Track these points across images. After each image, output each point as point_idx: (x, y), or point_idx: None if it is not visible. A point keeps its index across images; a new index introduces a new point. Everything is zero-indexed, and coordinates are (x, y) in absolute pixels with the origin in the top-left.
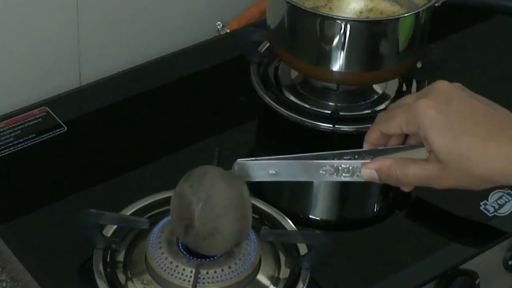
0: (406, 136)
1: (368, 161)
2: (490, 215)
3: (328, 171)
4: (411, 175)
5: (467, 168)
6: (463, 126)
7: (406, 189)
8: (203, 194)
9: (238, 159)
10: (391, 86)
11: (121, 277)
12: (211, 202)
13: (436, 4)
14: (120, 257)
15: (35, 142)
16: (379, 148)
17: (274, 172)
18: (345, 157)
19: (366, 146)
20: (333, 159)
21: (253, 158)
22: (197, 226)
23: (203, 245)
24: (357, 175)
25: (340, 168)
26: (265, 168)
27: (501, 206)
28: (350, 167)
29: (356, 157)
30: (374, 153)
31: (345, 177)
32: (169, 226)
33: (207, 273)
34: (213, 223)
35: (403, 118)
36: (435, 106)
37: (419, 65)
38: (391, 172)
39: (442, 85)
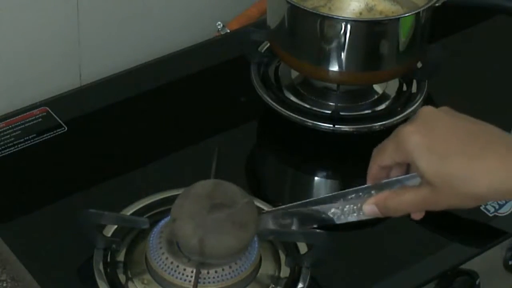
0: (408, 165)
1: (367, 198)
2: (490, 215)
3: (336, 214)
4: (407, 203)
5: (456, 187)
6: (448, 147)
7: (414, 216)
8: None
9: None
10: (391, 86)
11: (122, 277)
12: (213, 243)
13: (436, 4)
14: (120, 257)
15: (35, 142)
16: (382, 181)
17: (287, 222)
18: (349, 196)
19: (369, 182)
20: (339, 200)
21: (266, 211)
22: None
23: (205, 262)
24: (362, 213)
25: (345, 209)
26: (277, 219)
27: (501, 206)
28: (355, 207)
29: (360, 194)
30: (377, 188)
31: (351, 218)
32: (169, 226)
33: (208, 273)
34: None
35: (392, 148)
36: (418, 130)
37: (419, 65)
38: (388, 203)
39: (426, 110)
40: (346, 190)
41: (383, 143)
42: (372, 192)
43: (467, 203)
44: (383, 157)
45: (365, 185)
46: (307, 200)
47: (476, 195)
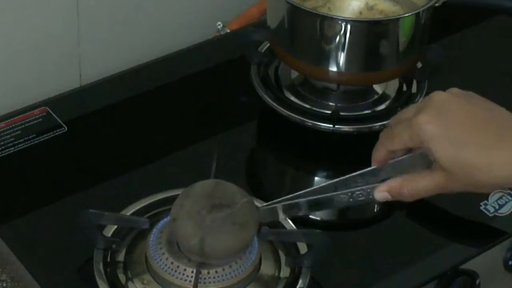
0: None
1: (378, 184)
2: (491, 215)
3: (344, 199)
4: (421, 189)
5: (472, 176)
6: (463, 136)
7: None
8: (205, 237)
9: (261, 207)
10: (391, 86)
11: (122, 277)
12: (214, 243)
13: (436, 4)
14: (120, 257)
15: (35, 142)
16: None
17: (296, 210)
18: (359, 180)
19: (374, 164)
20: (346, 184)
21: (274, 202)
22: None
23: (206, 262)
24: (371, 197)
25: (354, 194)
26: (287, 210)
27: (501, 206)
28: (364, 192)
29: (367, 178)
30: (383, 170)
31: (360, 201)
32: (169, 226)
33: (208, 273)
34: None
35: (406, 135)
36: (433, 120)
37: (419, 65)
38: (403, 191)
39: (438, 97)
40: (351, 175)
41: (393, 128)
42: (379, 175)
43: (482, 190)
44: (394, 142)
45: (370, 168)
46: (313, 188)
47: (492, 184)
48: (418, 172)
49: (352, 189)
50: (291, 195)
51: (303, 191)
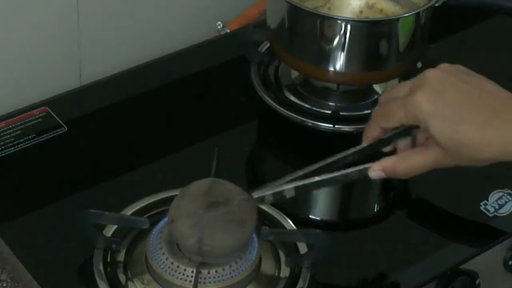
0: None
1: (371, 164)
2: (490, 215)
3: (339, 179)
4: (417, 166)
5: (467, 152)
6: (459, 114)
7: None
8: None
9: (254, 194)
10: (391, 86)
11: (122, 277)
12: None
13: (436, 4)
14: (120, 257)
15: (35, 142)
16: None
17: (291, 195)
18: (350, 158)
19: (366, 142)
20: (340, 164)
21: (269, 187)
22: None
23: (205, 261)
24: (366, 176)
25: (350, 175)
26: (282, 195)
27: (501, 206)
28: (358, 171)
29: (357, 157)
30: (373, 147)
31: (355, 179)
32: (168, 227)
33: (208, 273)
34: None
35: (401, 114)
36: (429, 99)
37: (419, 65)
38: (398, 169)
39: (432, 75)
40: (341, 155)
41: (387, 106)
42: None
43: (476, 164)
44: (389, 120)
45: (361, 146)
46: (304, 171)
47: (487, 159)
48: (412, 149)
49: (346, 171)
50: (281, 181)
51: (294, 175)
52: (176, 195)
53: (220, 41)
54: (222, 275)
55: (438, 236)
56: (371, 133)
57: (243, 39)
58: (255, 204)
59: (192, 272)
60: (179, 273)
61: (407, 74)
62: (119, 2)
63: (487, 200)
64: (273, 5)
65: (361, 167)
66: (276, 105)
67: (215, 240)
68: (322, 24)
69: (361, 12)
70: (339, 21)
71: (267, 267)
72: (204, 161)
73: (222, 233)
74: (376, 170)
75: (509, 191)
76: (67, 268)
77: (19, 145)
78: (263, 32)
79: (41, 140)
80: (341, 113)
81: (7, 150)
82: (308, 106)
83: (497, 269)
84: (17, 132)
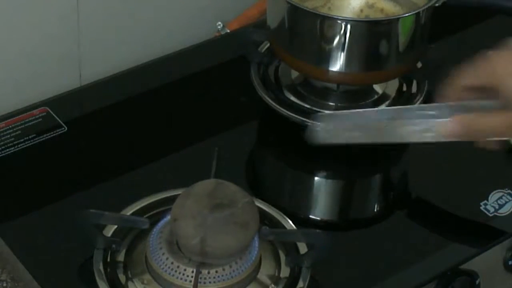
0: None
1: (447, 119)
2: (490, 215)
3: (409, 132)
4: (495, 125)
5: None
6: None
7: (492, 145)
8: (206, 238)
9: (319, 123)
10: (391, 86)
11: (122, 277)
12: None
13: (436, 4)
14: (120, 257)
15: (35, 142)
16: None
17: (357, 134)
18: (429, 112)
19: (441, 100)
20: (411, 114)
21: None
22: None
23: (206, 262)
24: (439, 133)
25: (421, 128)
26: (350, 130)
27: (501, 206)
28: (426, 124)
29: (435, 112)
30: (454, 108)
31: (427, 137)
32: (170, 226)
33: (208, 273)
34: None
35: (483, 73)
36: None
37: (419, 65)
38: (474, 123)
39: None
40: (422, 105)
41: (469, 66)
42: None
43: None
44: (471, 76)
45: (435, 104)
46: (372, 109)
47: None
48: (490, 110)
49: (415, 120)
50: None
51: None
52: (176, 195)
53: (220, 41)
54: (222, 275)
55: (438, 236)
56: (451, 90)
57: (243, 39)
58: (257, 207)
59: (192, 272)
60: (179, 273)
61: (407, 74)
62: (119, 2)
63: (487, 200)
64: (273, 5)
65: (431, 120)
66: (276, 105)
67: (218, 241)
68: (322, 24)
69: (361, 11)
70: (339, 21)
71: (267, 267)
72: (204, 161)
73: (225, 234)
74: (453, 122)
75: (509, 191)
76: (67, 268)
77: (19, 145)
78: (263, 32)
79: (41, 140)
80: None
81: (7, 150)
82: (308, 106)
83: (497, 269)
84: (17, 132)
